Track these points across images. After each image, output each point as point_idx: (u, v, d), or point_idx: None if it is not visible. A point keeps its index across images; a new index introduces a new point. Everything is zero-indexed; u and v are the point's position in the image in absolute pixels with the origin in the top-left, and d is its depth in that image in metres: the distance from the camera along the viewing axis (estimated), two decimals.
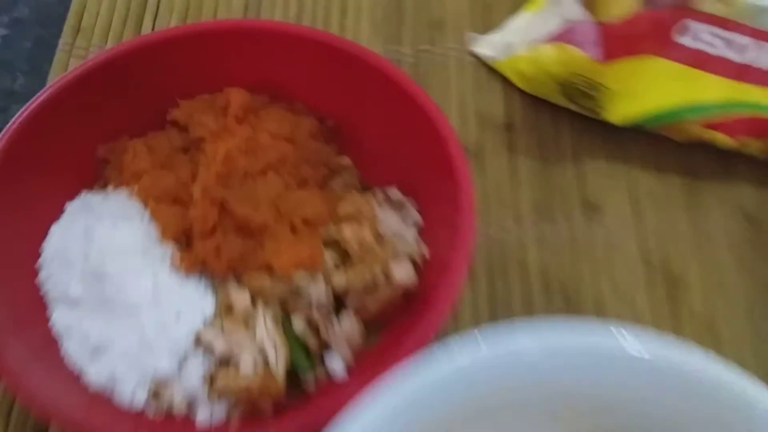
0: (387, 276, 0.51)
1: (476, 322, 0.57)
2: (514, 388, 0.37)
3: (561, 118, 0.67)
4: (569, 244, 0.60)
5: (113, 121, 0.58)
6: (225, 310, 0.50)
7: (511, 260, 0.60)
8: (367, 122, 0.59)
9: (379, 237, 0.53)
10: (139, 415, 0.49)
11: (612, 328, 0.36)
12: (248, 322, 0.50)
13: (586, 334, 0.36)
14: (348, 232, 0.52)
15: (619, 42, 0.61)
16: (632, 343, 0.36)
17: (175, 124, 0.59)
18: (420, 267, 0.53)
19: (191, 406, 0.49)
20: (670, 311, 0.57)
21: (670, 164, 0.64)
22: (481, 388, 0.37)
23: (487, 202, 0.63)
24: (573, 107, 0.65)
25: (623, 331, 0.35)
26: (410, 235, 0.54)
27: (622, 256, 0.60)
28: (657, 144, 0.65)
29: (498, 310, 0.57)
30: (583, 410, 0.38)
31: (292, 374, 0.49)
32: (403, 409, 0.36)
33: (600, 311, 0.57)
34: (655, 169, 0.64)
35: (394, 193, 0.55)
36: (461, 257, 0.49)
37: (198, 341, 0.50)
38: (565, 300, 0.57)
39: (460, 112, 0.68)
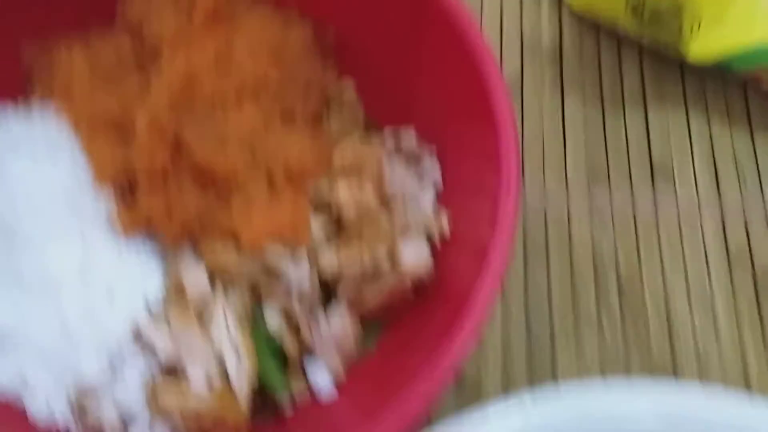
0: (393, 258, 0.39)
1: (505, 317, 0.45)
2: None
3: (626, 51, 0.54)
4: (629, 219, 0.49)
5: (45, 8, 0.44)
6: (175, 291, 0.38)
7: (554, 236, 0.48)
8: (379, 36, 0.45)
9: (385, 201, 0.41)
10: None
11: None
12: (203, 315, 0.38)
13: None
14: (344, 193, 0.40)
15: None
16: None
17: (127, 25, 0.45)
18: (437, 247, 0.41)
19: (126, 426, 0.38)
20: (757, 324, 0.46)
21: (763, 122, 0.52)
22: None
23: (526, 156, 0.51)
24: (644, 37, 0.52)
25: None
26: (427, 200, 0.42)
27: (696, 241, 0.48)
28: (746, 95, 0.53)
29: (534, 302, 0.46)
30: None
31: (262, 390, 0.38)
32: None
33: (665, 316, 0.46)
34: (743, 128, 0.52)
35: (409, 139, 0.43)
36: (501, 238, 0.36)
37: (137, 337, 0.38)
38: (621, 298, 0.46)
39: (493, 31, 0.55)
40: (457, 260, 0.39)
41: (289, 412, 0.38)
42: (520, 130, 0.51)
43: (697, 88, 0.53)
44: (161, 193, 0.40)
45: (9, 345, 0.38)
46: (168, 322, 0.37)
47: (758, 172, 0.50)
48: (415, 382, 0.32)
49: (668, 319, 0.45)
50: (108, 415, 0.37)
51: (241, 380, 0.36)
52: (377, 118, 0.46)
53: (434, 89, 0.43)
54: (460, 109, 0.41)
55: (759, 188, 0.50)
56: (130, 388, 0.37)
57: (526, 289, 0.46)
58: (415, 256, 0.40)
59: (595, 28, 0.55)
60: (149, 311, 0.38)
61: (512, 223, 0.36)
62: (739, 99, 0.53)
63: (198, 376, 0.36)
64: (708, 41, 0.50)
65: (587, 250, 0.47)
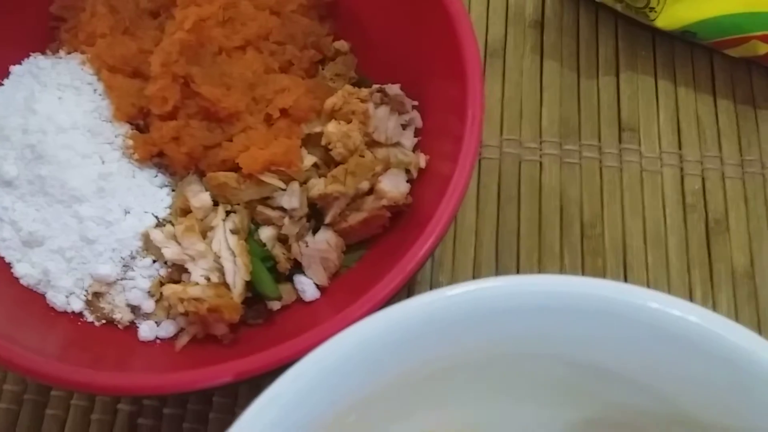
0: (374, 187, 0.47)
1: (478, 251, 0.53)
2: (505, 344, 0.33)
3: (603, 20, 0.61)
4: (595, 170, 0.56)
5: None
6: (181, 212, 0.46)
7: (526, 184, 0.55)
8: (372, 3, 0.53)
9: (369, 140, 0.48)
10: (73, 320, 0.46)
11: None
12: (205, 228, 0.45)
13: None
14: (333, 131, 0.48)
15: None
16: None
17: None
18: (414, 179, 0.48)
19: (134, 315, 0.46)
20: (706, 264, 0.53)
21: (726, 86, 0.59)
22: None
23: (505, 113, 0.58)
24: (619, 7, 0.59)
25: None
26: (407, 141, 0.50)
27: (656, 191, 0.55)
28: (712, 61, 0.59)
29: (504, 239, 0.53)
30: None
31: (255, 296, 0.46)
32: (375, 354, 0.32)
33: (621, 253, 0.53)
34: (707, 92, 0.58)
35: (394, 89, 0.50)
36: (461, 171, 0.44)
37: (147, 245, 0.45)
38: (583, 236, 0.53)
39: (483, 1, 0.62)
40: (427, 191, 0.47)
41: (277, 312, 0.46)
42: (501, 89, 0.59)
43: (667, 55, 0.60)
44: (172, 126, 0.47)
45: (37, 246, 0.45)
46: (174, 235, 0.45)
47: (718, 132, 0.57)
48: (379, 283, 0.40)
49: (624, 255, 0.52)
50: (119, 308, 0.45)
51: (236, 279, 0.44)
52: (368, 74, 0.53)
53: (419, 52, 0.50)
54: (438, 68, 0.49)
55: (718, 146, 0.57)
56: (138, 287, 0.45)
57: (498, 227, 0.53)
58: (392, 186, 0.47)
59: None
60: (159, 225, 0.46)
61: (472, 160, 0.44)
62: (705, 65, 0.59)
63: (198, 272, 0.44)
64: (676, 12, 0.57)
65: (555, 196, 0.55)
